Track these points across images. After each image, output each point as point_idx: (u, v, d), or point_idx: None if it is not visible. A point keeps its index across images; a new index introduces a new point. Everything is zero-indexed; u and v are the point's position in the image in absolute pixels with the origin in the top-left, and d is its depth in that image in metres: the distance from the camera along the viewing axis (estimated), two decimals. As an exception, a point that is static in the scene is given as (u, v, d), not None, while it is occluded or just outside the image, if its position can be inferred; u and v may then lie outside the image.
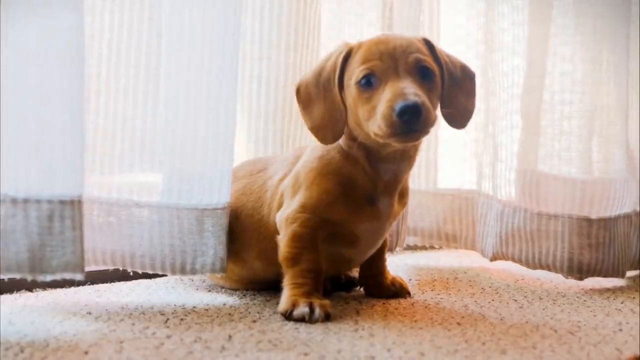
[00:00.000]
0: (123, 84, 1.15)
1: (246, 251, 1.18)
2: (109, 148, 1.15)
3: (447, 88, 1.09)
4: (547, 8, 1.45)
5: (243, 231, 1.17)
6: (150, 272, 1.16)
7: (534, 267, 1.42)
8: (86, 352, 0.86)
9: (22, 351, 0.86)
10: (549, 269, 1.41)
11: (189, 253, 1.14)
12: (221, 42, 1.13)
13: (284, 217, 1.10)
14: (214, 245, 1.14)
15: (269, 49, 1.36)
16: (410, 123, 0.98)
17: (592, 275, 1.39)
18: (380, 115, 1.00)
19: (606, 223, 1.40)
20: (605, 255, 1.39)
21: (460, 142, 1.62)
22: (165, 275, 1.29)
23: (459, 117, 1.12)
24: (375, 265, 1.23)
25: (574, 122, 1.45)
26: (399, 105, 0.97)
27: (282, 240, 1.10)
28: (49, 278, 0.98)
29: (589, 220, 1.39)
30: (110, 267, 1.16)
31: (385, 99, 1.00)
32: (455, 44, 1.59)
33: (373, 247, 1.17)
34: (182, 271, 1.15)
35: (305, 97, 1.10)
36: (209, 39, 1.12)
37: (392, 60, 1.03)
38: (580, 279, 1.40)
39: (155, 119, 1.15)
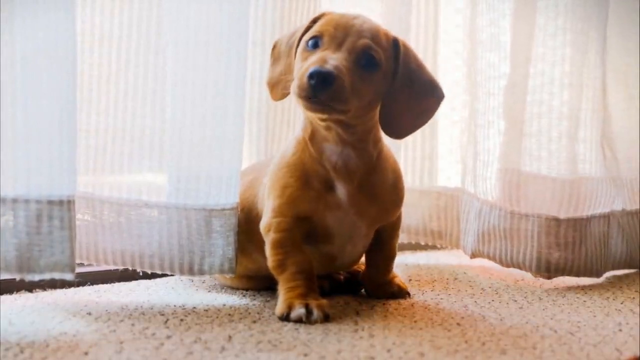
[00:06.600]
0: (132, 83, 1.15)
1: (249, 243, 1.18)
2: (119, 147, 1.15)
3: (395, 91, 1.08)
4: (532, 11, 1.45)
5: (246, 223, 1.18)
6: (160, 272, 1.16)
7: (507, 266, 1.43)
8: (86, 353, 0.86)
9: (22, 351, 0.86)
10: (520, 268, 1.41)
11: (196, 254, 1.14)
12: (227, 40, 1.13)
13: (263, 225, 1.12)
14: (222, 246, 1.15)
15: (254, 48, 1.35)
16: (316, 89, 0.98)
17: (562, 274, 1.39)
18: (298, 75, 1.02)
19: (575, 223, 1.40)
20: (575, 255, 1.39)
21: (448, 140, 1.61)
22: (166, 276, 1.29)
23: (394, 125, 1.10)
24: (377, 268, 1.22)
25: (555, 122, 1.43)
26: (312, 68, 0.99)
27: (267, 250, 1.11)
28: (37, 278, 0.98)
29: (557, 220, 1.39)
30: (120, 267, 1.17)
31: (309, 61, 1.02)
32: (452, 43, 1.59)
33: (353, 244, 1.15)
34: (191, 272, 1.15)
35: (277, 53, 1.15)
36: (215, 36, 1.12)
37: (343, 34, 1.04)
38: (549, 277, 1.40)
39: (164, 117, 1.15)
